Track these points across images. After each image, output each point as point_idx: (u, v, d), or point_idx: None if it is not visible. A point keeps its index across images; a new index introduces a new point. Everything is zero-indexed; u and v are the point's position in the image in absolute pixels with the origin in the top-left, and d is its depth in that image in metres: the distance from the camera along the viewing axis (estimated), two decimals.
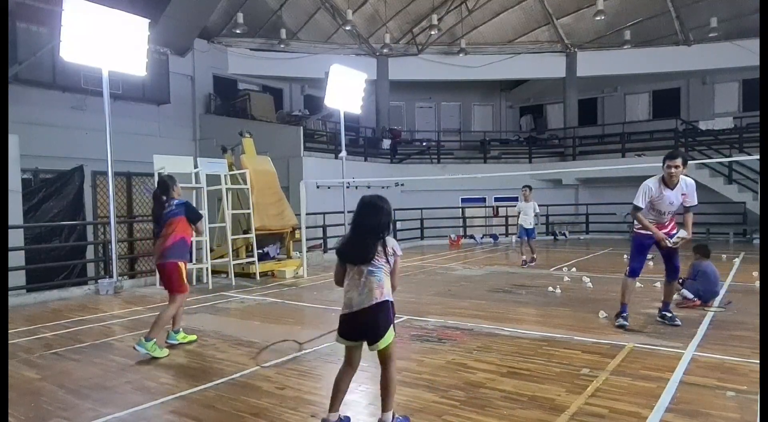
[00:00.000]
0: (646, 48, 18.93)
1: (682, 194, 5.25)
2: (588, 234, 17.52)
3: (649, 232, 5.32)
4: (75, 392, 3.91)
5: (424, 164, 19.24)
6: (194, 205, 6.61)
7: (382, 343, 2.98)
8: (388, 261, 3.06)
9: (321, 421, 3.14)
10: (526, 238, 10.68)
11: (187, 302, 7.32)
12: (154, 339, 4.70)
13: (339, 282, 3.16)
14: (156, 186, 5.37)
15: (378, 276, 3.01)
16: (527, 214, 10.64)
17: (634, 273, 5.49)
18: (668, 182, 5.22)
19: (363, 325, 3.00)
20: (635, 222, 5.48)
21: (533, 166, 19.17)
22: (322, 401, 3.61)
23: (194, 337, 5.28)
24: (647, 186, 5.29)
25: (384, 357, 3.05)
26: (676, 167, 5.12)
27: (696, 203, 5.32)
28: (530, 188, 10.89)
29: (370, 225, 3.04)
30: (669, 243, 5.27)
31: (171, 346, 5.02)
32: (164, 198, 5.18)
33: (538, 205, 10.95)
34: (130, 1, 9.97)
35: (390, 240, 3.09)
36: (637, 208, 5.33)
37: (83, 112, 13.63)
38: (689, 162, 5.56)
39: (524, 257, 10.70)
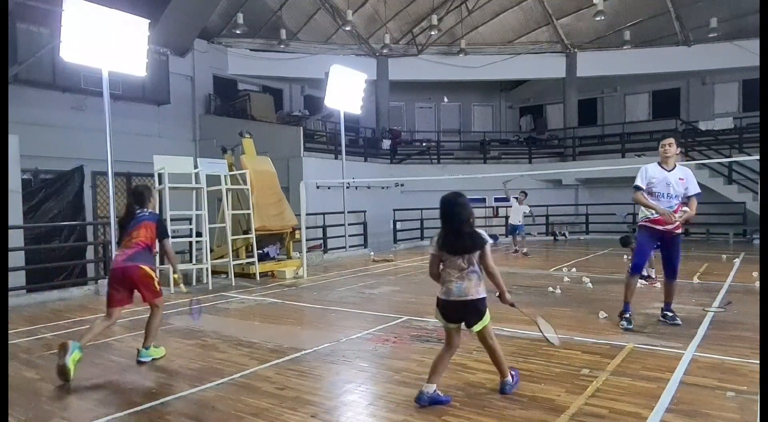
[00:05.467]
0: (646, 48, 18.93)
1: (680, 179, 5.33)
2: (588, 234, 17.51)
3: (653, 225, 5.37)
4: (75, 392, 3.91)
5: (424, 164, 19.24)
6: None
7: (478, 327, 3.50)
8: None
9: (418, 392, 3.49)
10: (517, 233, 12.60)
11: (188, 302, 7.33)
12: (152, 345, 4.65)
13: (434, 275, 3.61)
14: (131, 196, 5.05)
15: (472, 276, 3.45)
16: (517, 214, 12.38)
17: (637, 269, 5.52)
18: (663, 163, 5.43)
19: (458, 312, 3.51)
20: (640, 215, 5.55)
21: (533, 166, 19.16)
22: (322, 401, 3.61)
23: (162, 352, 4.81)
24: (644, 167, 5.56)
25: (482, 337, 3.57)
26: (669, 145, 5.40)
27: (698, 191, 5.39)
28: (526, 194, 12.51)
29: (461, 218, 3.44)
30: (674, 217, 5.27)
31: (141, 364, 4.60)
32: (137, 208, 4.80)
33: (530, 207, 12.71)
34: (130, 1, 9.96)
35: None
36: (637, 188, 5.46)
37: (83, 112, 13.64)
38: (689, 162, 5.62)
39: (524, 249, 12.31)
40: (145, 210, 4.82)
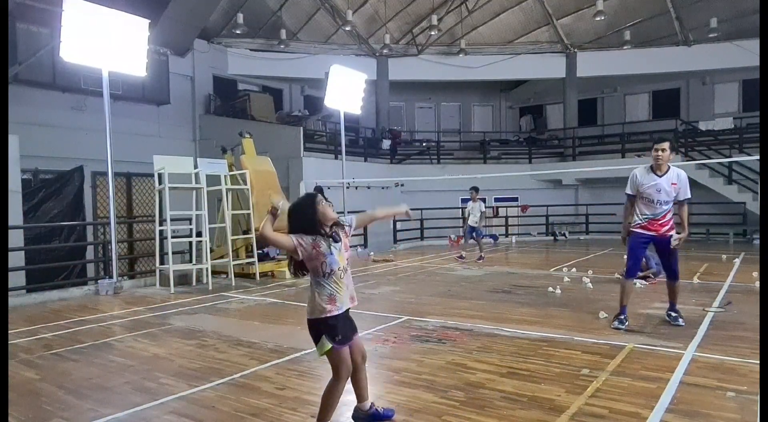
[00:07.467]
0: (646, 48, 18.91)
1: (672, 183, 5.22)
2: (588, 234, 17.52)
3: (644, 231, 5.32)
4: (75, 392, 3.91)
5: (423, 164, 19.23)
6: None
7: (317, 351, 3.06)
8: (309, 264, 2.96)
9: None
10: (473, 235, 11.76)
11: (188, 302, 7.38)
12: None
13: None
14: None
15: (309, 291, 3.05)
16: (474, 214, 11.60)
17: (631, 273, 5.45)
18: (656, 168, 5.28)
19: None
20: (632, 220, 5.49)
21: (533, 166, 19.16)
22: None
23: None
24: (633, 173, 5.43)
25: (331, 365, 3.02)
26: (663, 151, 5.19)
27: (689, 196, 5.30)
28: (477, 190, 11.82)
29: (293, 225, 2.99)
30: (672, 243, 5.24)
31: None
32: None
33: (485, 205, 12.08)
34: (130, 1, 9.97)
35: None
36: (627, 196, 5.44)
37: (83, 112, 13.63)
38: (690, 162, 5.58)
39: (463, 252, 11.86)
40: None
